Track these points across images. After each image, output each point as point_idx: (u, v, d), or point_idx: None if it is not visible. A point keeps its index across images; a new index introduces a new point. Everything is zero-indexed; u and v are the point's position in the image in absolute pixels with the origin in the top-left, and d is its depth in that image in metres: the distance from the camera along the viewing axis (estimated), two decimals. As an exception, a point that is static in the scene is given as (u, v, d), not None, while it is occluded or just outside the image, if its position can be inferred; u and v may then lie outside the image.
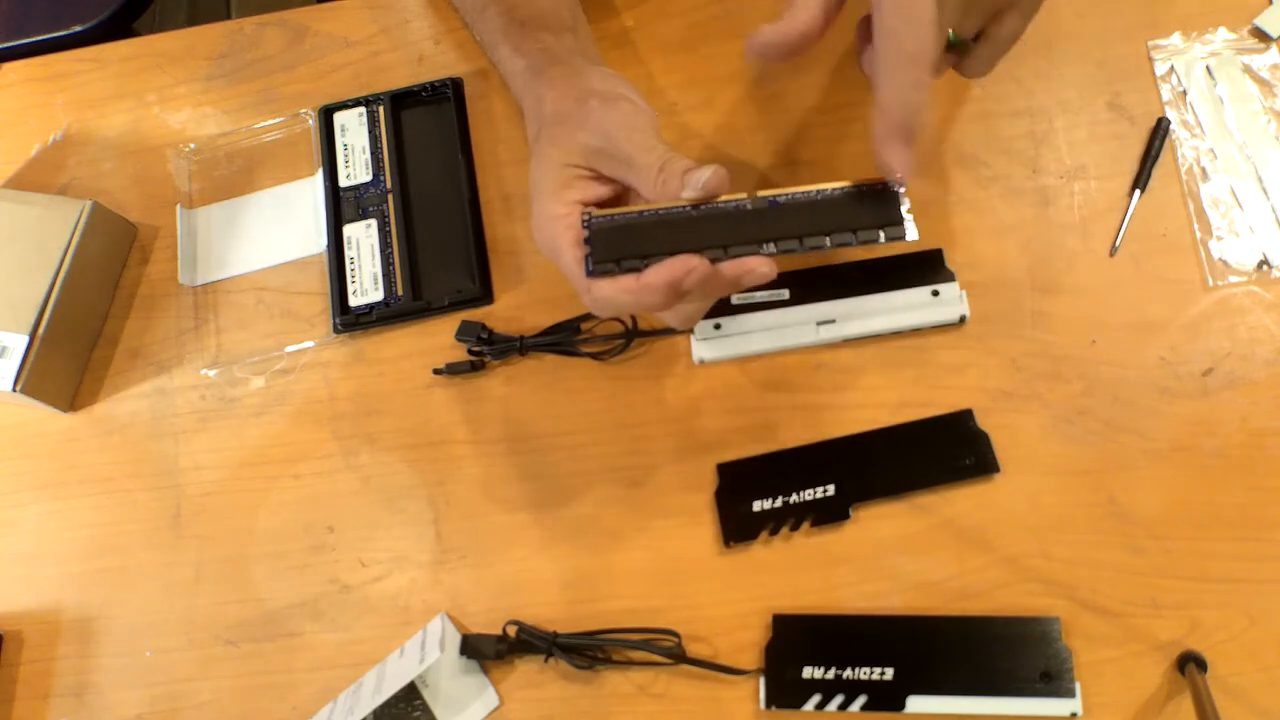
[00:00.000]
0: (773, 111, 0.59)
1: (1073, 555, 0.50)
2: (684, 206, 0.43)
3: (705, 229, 0.42)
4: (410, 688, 0.52)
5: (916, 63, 0.39)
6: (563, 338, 0.56)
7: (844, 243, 0.42)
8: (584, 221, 0.44)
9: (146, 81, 0.67)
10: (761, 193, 0.43)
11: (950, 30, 0.44)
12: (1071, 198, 0.55)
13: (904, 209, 0.42)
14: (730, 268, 0.42)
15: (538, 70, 0.51)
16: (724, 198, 0.43)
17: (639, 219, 0.43)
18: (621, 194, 0.47)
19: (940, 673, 0.48)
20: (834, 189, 0.43)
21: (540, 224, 0.46)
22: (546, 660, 0.51)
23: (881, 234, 0.42)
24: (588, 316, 0.56)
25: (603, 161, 0.45)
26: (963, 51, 0.47)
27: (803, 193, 0.43)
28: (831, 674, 0.49)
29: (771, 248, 0.42)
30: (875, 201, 0.42)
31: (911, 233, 0.42)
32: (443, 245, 0.60)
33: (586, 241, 0.43)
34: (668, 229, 0.42)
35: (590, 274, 0.43)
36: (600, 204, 0.45)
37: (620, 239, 0.43)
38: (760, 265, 0.41)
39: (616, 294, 0.43)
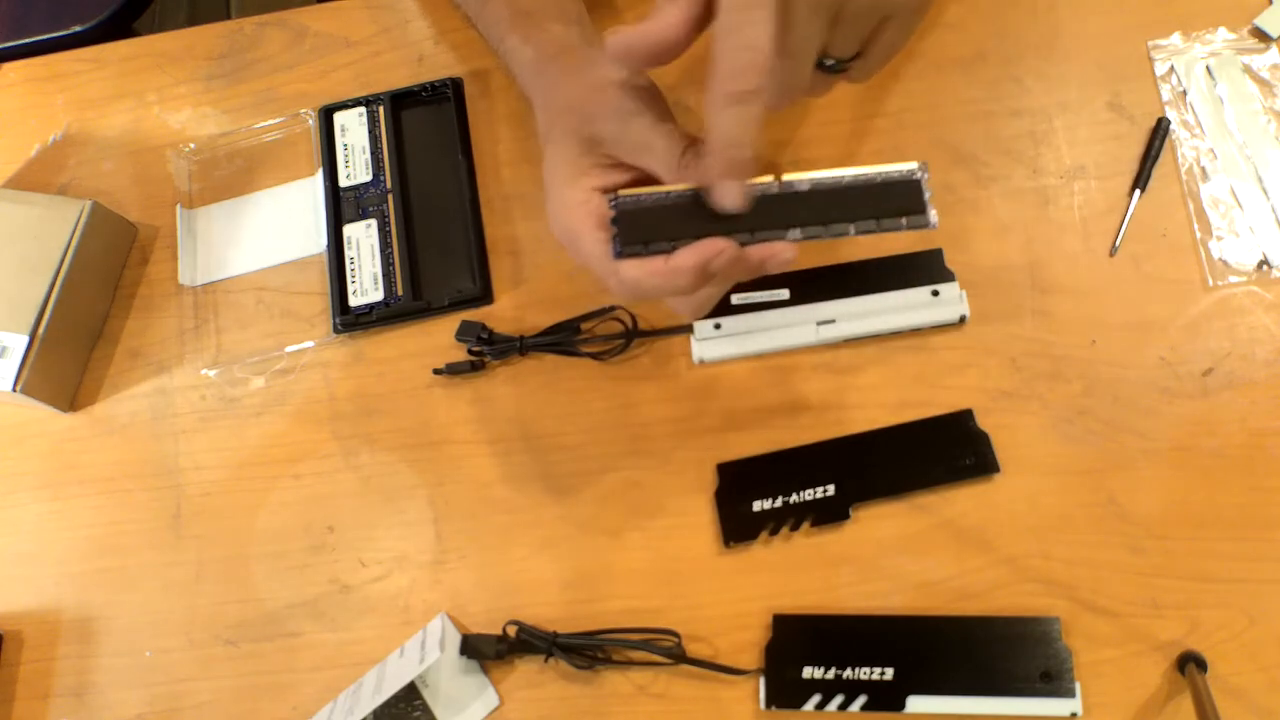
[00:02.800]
0: (771, 113, 0.59)
1: (1073, 555, 0.50)
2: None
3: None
4: (410, 688, 0.52)
5: (738, 101, 0.38)
6: (563, 338, 0.56)
7: (867, 230, 0.42)
8: (611, 203, 0.43)
9: (146, 81, 0.67)
10: (787, 176, 0.43)
11: (823, 53, 0.43)
12: (1071, 198, 0.55)
13: (926, 196, 0.42)
14: (756, 251, 0.41)
15: (549, 58, 0.51)
16: (750, 181, 0.43)
17: (665, 199, 0.43)
18: (639, 179, 0.46)
19: (940, 673, 0.48)
20: (857, 174, 0.43)
21: (557, 212, 0.45)
22: (546, 660, 0.51)
23: (904, 221, 0.42)
24: (588, 316, 0.56)
25: (621, 148, 0.45)
26: (840, 71, 0.45)
27: (828, 176, 0.43)
28: (831, 674, 0.49)
29: (797, 233, 0.42)
30: (898, 189, 0.42)
31: (933, 221, 0.42)
32: (443, 245, 0.60)
33: (614, 222, 0.43)
34: (694, 211, 0.42)
35: (618, 255, 0.43)
36: (619, 189, 0.45)
37: (646, 221, 0.42)
38: (785, 250, 0.41)
39: (644, 276, 0.42)
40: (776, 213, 0.42)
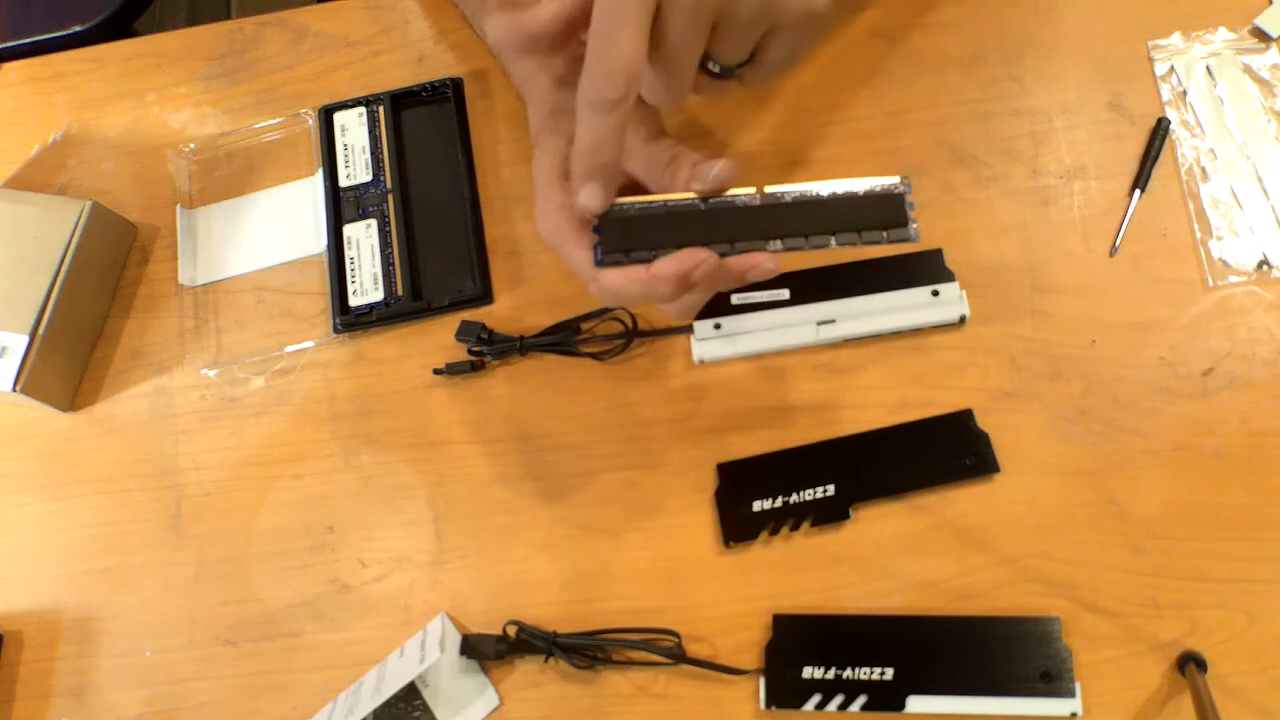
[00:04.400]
0: (771, 112, 0.59)
1: (1073, 555, 0.50)
2: (693, 199, 0.43)
3: (713, 222, 0.42)
4: (410, 688, 0.52)
5: (602, 109, 0.39)
6: (563, 338, 0.56)
7: (849, 243, 0.43)
8: None
9: (146, 81, 0.67)
10: (769, 188, 0.43)
11: (709, 60, 0.43)
12: (1071, 198, 0.55)
13: (909, 211, 0.43)
14: (737, 262, 0.42)
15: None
16: (732, 191, 0.43)
17: (648, 209, 0.43)
18: (625, 185, 0.46)
19: (940, 673, 0.48)
20: (841, 187, 0.43)
21: (545, 213, 0.45)
22: (546, 660, 0.51)
23: (885, 235, 0.43)
24: (588, 316, 0.56)
25: None
26: (734, 76, 0.45)
27: (810, 189, 0.43)
28: (831, 674, 0.49)
29: (778, 244, 0.42)
30: (881, 202, 0.43)
31: (915, 235, 0.43)
32: (443, 245, 0.60)
33: (595, 230, 0.43)
34: (676, 221, 0.42)
35: (599, 263, 0.43)
36: None
37: (629, 230, 0.43)
38: (766, 261, 0.42)
39: (625, 284, 0.43)
40: (758, 224, 0.42)
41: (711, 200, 0.43)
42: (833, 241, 0.43)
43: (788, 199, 0.43)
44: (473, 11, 0.60)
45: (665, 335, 0.56)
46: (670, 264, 0.41)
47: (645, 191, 0.45)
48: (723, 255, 0.42)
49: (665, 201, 0.43)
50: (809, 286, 0.55)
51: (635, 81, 0.38)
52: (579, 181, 0.41)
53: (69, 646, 0.56)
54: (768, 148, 0.59)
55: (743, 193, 0.43)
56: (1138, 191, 0.55)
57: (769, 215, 0.43)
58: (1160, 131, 0.55)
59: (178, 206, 0.63)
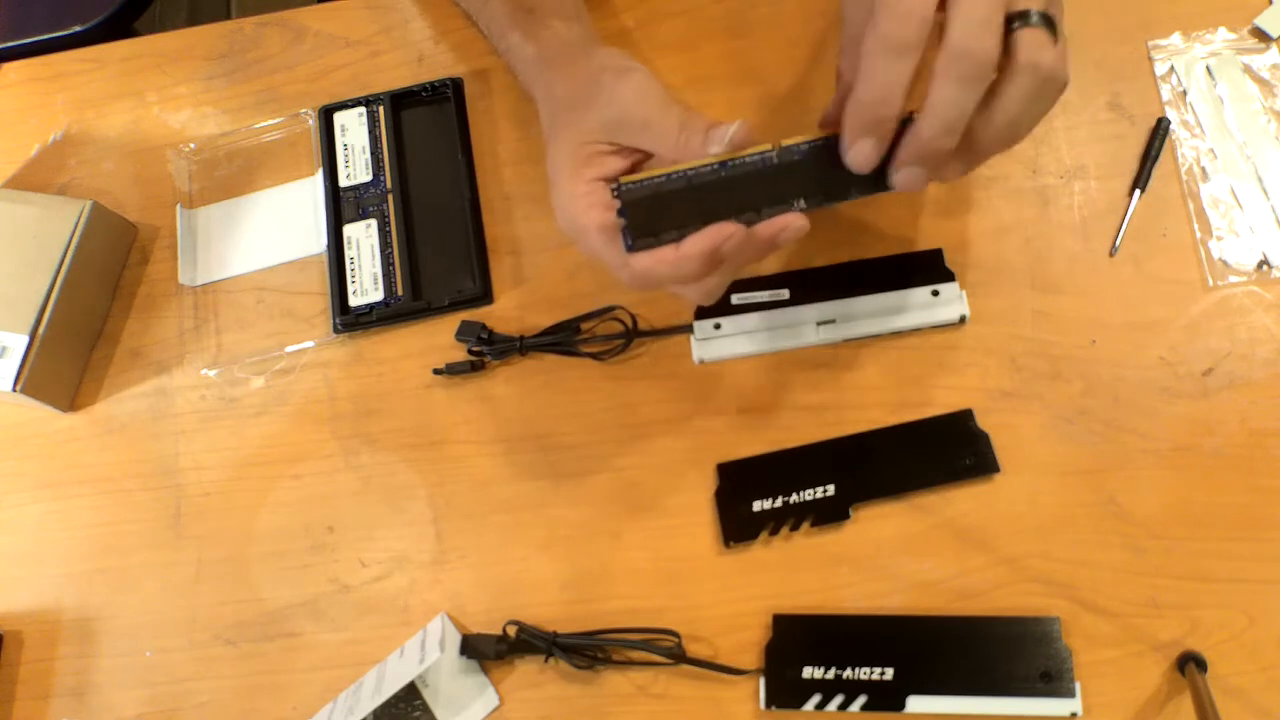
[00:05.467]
0: (775, 111, 0.59)
1: (1073, 555, 0.50)
2: (710, 165, 0.42)
3: (736, 190, 0.42)
4: (410, 688, 0.52)
5: (897, 52, 0.37)
6: (563, 338, 0.56)
7: (866, 192, 0.42)
8: (614, 191, 0.43)
9: (146, 81, 0.67)
10: (786, 142, 0.43)
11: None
12: (1071, 198, 0.55)
13: None
14: (765, 228, 0.41)
15: (549, 56, 0.51)
16: (748, 151, 0.42)
17: (667, 182, 0.42)
18: (641, 163, 0.46)
19: (940, 673, 0.48)
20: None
21: (562, 204, 0.45)
22: (546, 660, 0.51)
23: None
24: (588, 316, 0.56)
25: (620, 132, 0.45)
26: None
27: (824, 139, 0.43)
28: (831, 674, 0.49)
29: (802, 203, 0.42)
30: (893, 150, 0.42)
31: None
32: (443, 245, 0.60)
33: (620, 213, 0.43)
34: (699, 194, 0.42)
35: (630, 248, 0.42)
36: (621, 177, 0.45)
37: (653, 209, 0.42)
38: (794, 220, 0.41)
39: (655, 266, 0.42)
40: (779, 184, 0.42)
41: (730, 164, 0.42)
42: (853, 191, 0.42)
43: (803, 151, 0.42)
44: (476, 10, 0.60)
45: (665, 335, 0.56)
46: (699, 241, 0.41)
47: (657, 164, 0.45)
48: (750, 224, 0.41)
49: (685, 172, 0.42)
50: (809, 286, 0.55)
51: (928, 28, 0.36)
52: (854, 135, 0.39)
53: (69, 646, 0.56)
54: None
55: (759, 150, 0.42)
56: (1138, 191, 0.55)
57: (787, 172, 0.42)
58: (1160, 131, 0.55)
59: (178, 206, 0.63)
